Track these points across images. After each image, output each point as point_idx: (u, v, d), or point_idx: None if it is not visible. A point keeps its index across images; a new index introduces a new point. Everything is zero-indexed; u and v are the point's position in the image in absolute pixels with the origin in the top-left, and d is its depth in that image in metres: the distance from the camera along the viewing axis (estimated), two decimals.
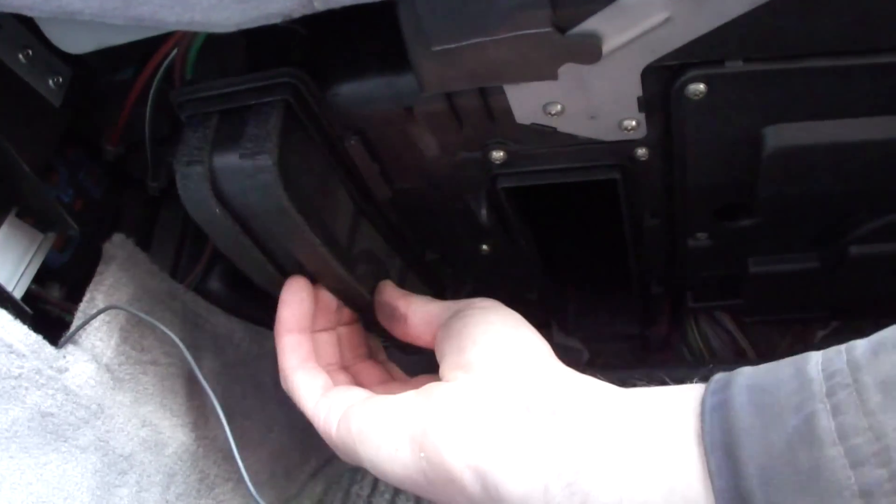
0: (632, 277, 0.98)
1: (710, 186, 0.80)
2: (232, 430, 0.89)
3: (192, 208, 0.68)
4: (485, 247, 0.93)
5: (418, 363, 0.76)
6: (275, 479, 0.98)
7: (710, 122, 0.71)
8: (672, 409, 0.53)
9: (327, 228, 0.73)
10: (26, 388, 0.67)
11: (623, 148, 0.76)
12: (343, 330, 0.84)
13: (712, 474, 0.47)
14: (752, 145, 0.73)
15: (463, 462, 0.60)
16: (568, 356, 1.16)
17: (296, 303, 0.76)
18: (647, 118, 0.72)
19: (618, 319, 1.08)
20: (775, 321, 1.11)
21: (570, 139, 0.74)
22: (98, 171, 0.87)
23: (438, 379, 0.70)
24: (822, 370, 0.46)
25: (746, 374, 0.50)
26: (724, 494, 0.46)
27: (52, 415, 0.70)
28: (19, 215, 0.76)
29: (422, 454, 0.63)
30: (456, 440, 0.61)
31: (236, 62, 0.72)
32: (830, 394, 0.45)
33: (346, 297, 0.80)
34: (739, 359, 1.12)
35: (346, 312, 0.83)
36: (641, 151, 0.76)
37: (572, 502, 0.54)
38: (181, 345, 0.72)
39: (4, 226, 0.74)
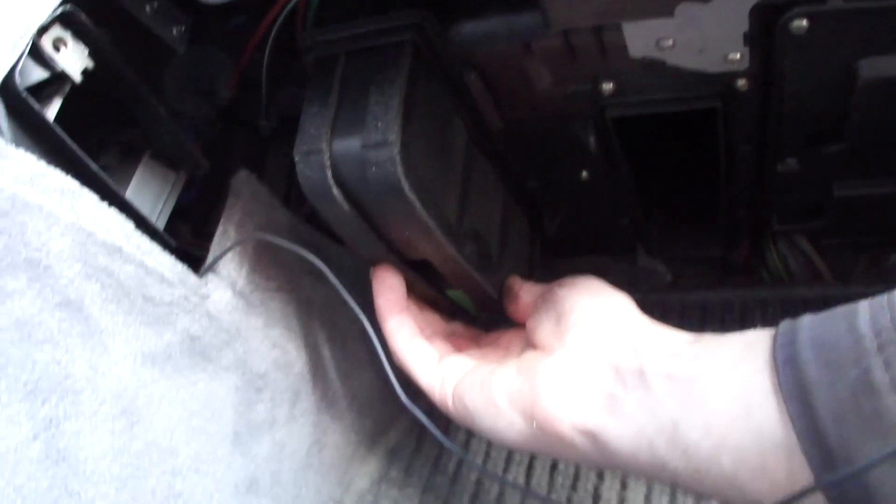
0: (720, 202, 1.00)
1: (804, 115, 0.83)
2: (344, 353, 0.94)
3: (312, 195, 0.71)
4: (585, 174, 0.96)
5: None
6: (373, 402, 1.03)
7: (810, 56, 0.75)
8: (747, 363, 0.59)
9: (441, 211, 0.75)
10: (177, 314, 0.72)
11: (725, 79, 0.79)
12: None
13: (792, 419, 0.54)
14: (847, 77, 0.76)
15: (572, 427, 0.66)
16: (651, 278, 1.20)
17: (387, 289, 0.81)
18: (751, 51, 0.75)
19: (701, 243, 1.10)
20: (852, 245, 1.14)
21: (677, 71, 0.77)
22: (213, 114, 0.91)
23: (529, 345, 0.78)
24: (871, 326, 0.53)
25: (807, 328, 0.57)
26: (804, 435, 0.53)
27: (198, 338, 0.74)
28: (152, 156, 0.80)
29: (534, 423, 0.69)
30: (564, 409, 0.67)
31: (359, 6, 0.75)
32: (881, 349, 0.51)
33: (453, 274, 0.83)
34: (816, 281, 1.14)
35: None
36: (742, 82, 0.79)
37: (676, 453, 0.61)
38: (324, 268, 0.75)
39: (141, 166, 0.78)
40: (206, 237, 0.82)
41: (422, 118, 0.72)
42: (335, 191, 0.70)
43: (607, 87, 0.80)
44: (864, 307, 0.54)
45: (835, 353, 0.53)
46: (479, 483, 1.01)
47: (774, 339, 0.58)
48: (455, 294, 0.90)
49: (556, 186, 1.01)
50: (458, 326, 0.93)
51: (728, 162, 0.92)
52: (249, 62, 0.86)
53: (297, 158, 0.70)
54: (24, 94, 0.61)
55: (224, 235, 0.79)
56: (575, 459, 0.77)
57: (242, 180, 0.83)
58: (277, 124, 0.91)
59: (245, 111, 0.93)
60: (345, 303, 0.77)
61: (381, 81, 0.70)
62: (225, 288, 0.77)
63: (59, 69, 0.64)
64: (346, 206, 0.71)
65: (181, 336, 0.73)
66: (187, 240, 0.85)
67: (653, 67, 0.77)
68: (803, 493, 0.53)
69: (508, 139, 0.91)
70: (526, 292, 0.86)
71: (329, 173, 0.69)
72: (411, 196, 0.69)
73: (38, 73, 0.64)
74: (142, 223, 0.70)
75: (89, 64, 0.67)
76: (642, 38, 0.73)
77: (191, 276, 0.74)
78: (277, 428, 0.84)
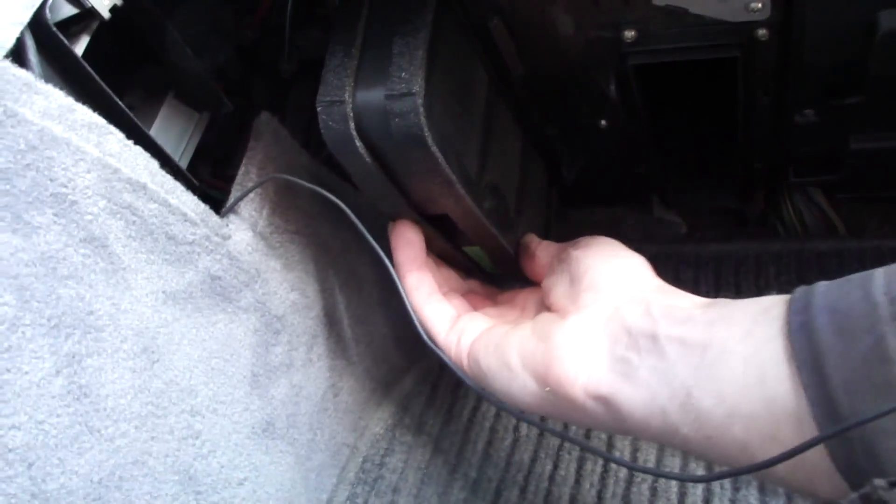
0: (736, 154, 1.01)
1: (823, 66, 0.83)
2: (360, 299, 0.94)
3: (334, 146, 0.71)
4: (603, 122, 0.96)
5: None
6: (388, 349, 1.05)
7: (830, 5, 0.75)
8: (761, 329, 0.58)
9: (462, 164, 0.75)
10: (198, 254, 0.72)
11: (746, 28, 0.79)
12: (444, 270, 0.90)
13: (805, 386, 0.53)
14: (866, 28, 0.76)
15: (585, 392, 0.66)
16: (666, 229, 1.20)
17: (406, 245, 0.81)
18: (772, 0, 0.75)
19: (716, 194, 1.10)
20: (867, 199, 1.14)
21: (698, 20, 0.77)
22: (235, 55, 0.91)
23: (544, 305, 0.78)
24: (886, 293, 0.52)
25: (822, 295, 0.56)
26: (816, 403, 0.52)
27: (219, 278, 0.75)
28: (176, 96, 0.80)
29: (547, 388, 0.69)
30: (576, 374, 0.67)
31: None
32: (895, 317, 0.50)
33: (472, 229, 0.83)
34: (830, 235, 1.14)
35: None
36: (762, 32, 0.79)
37: (688, 419, 0.60)
38: (345, 208, 0.76)
39: (164, 106, 0.79)
40: (226, 179, 0.82)
41: (445, 67, 0.72)
42: (358, 142, 0.69)
43: (629, 34, 0.81)
44: (879, 274, 0.54)
45: (849, 320, 0.53)
46: (493, 430, 1.02)
47: (789, 304, 0.58)
48: (472, 251, 0.90)
49: (575, 134, 1.02)
50: (474, 284, 0.94)
51: (746, 113, 0.93)
52: (273, 4, 0.86)
53: (319, 109, 0.69)
54: (54, 30, 0.61)
55: (245, 177, 0.79)
56: (587, 424, 0.76)
57: (264, 122, 0.83)
58: (298, 67, 0.92)
59: (267, 54, 0.93)
60: (362, 249, 0.77)
61: (406, 30, 0.69)
62: (246, 229, 0.78)
63: (88, 5, 0.65)
64: (368, 157, 0.71)
65: (202, 276, 0.73)
66: (208, 181, 0.86)
67: (675, 15, 0.77)
68: (807, 447, 0.52)
69: (529, 85, 0.91)
70: (542, 250, 0.87)
71: (352, 124, 0.69)
72: (434, 148, 0.68)
73: (67, 9, 0.64)
74: (166, 162, 0.71)
75: (117, 1, 0.67)
76: None
77: (213, 216, 0.74)
78: (294, 371, 0.85)
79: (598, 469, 0.94)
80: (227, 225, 0.76)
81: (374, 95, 0.68)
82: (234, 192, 0.78)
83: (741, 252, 1.12)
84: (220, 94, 0.81)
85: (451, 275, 0.91)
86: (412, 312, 0.79)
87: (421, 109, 0.67)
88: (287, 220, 0.83)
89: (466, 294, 0.90)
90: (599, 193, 1.17)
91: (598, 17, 0.79)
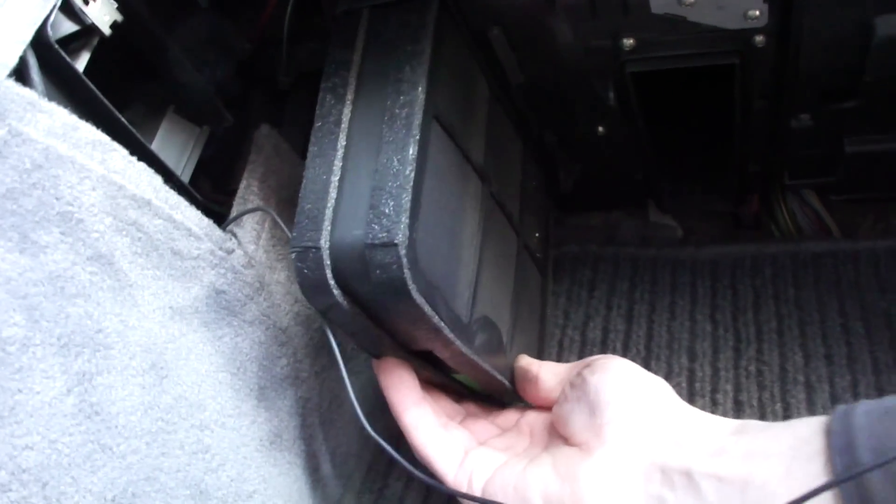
0: (732, 157, 1.01)
1: (820, 71, 0.84)
2: None
3: (310, 294, 0.67)
4: (601, 129, 0.97)
5: None
6: None
7: (827, 12, 0.75)
8: (801, 466, 0.56)
9: (451, 308, 0.72)
10: (203, 268, 0.72)
11: (743, 35, 0.80)
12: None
13: None
14: (862, 33, 0.77)
15: None
16: (662, 234, 1.21)
17: (398, 383, 0.77)
18: (770, 8, 0.76)
19: (711, 198, 1.10)
20: (862, 199, 1.15)
21: (696, 27, 0.78)
22: (233, 68, 0.91)
23: (557, 434, 0.75)
24: None
25: (864, 432, 0.54)
26: None
27: (224, 292, 0.75)
28: (176, 111, 0.80)
29: None
30: None
31: None
32: None
33: (461, 367, 0.79)
34: (825, 236, 1.15)
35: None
36: (760, 38, 0.80)
37: None
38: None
39: (165, 121, 0.79)
40: (227, 192, 0.82)
41: (434, 178, 0.69)
42: (336, 291, 0.65)
43: (628, 42, 0.81)
44: None
45: None
46: None
47: (828, 437, 0.56)
48: (463, 378, 0.86)
49: (573, 141, 1.02)
50: (470, 406, 0.90)
51: (742, 118, 0.93)
52: (271, 17, 0.86)
53: (293, 256, 0.66)
54: (56, 47, 0.61)
55: (247, 190, 0.79)
56: None
57: (265, 135, 0.83)
58: (296, 79, 0.92)
59: (264, 66, 0.93)
60: None
61: (391, 147, 0.65)
62: (248, 242, 0.78)
63: (89, 22, 0.65)
64: (346, 305, 0.67)
65: (207, 290, 0.73)
66: (208, 195, 0.85)
67: (673, 24, 0.78)
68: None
69: (529, 94, 0.91)
70: (546, 374, 0.82)
71: (329, 273, 0.65)
72: (419, 299, 0.65)
73: (68, 26, 0.64)
74: (169, 177, 0.71)
75: (118, 17, 0.67)
76: None
77: (216, 231, 0.74)
78: (300, 383, 0.85)
79: None
80: (231, 239, 0.76)
81: (353, 242, 0.64)
82: (237, 206, 0.78)
83: (737, 255, 1.12)
84: (221, 108, 0.81)
85: (445, 402, 0.86)
86: (417, 453, 0.77)
87: (404, 261, 0.62)
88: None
89: (465, 420, 0.86)
90: (596, 199, 1.17)
91: (597, 26, 0.79)
